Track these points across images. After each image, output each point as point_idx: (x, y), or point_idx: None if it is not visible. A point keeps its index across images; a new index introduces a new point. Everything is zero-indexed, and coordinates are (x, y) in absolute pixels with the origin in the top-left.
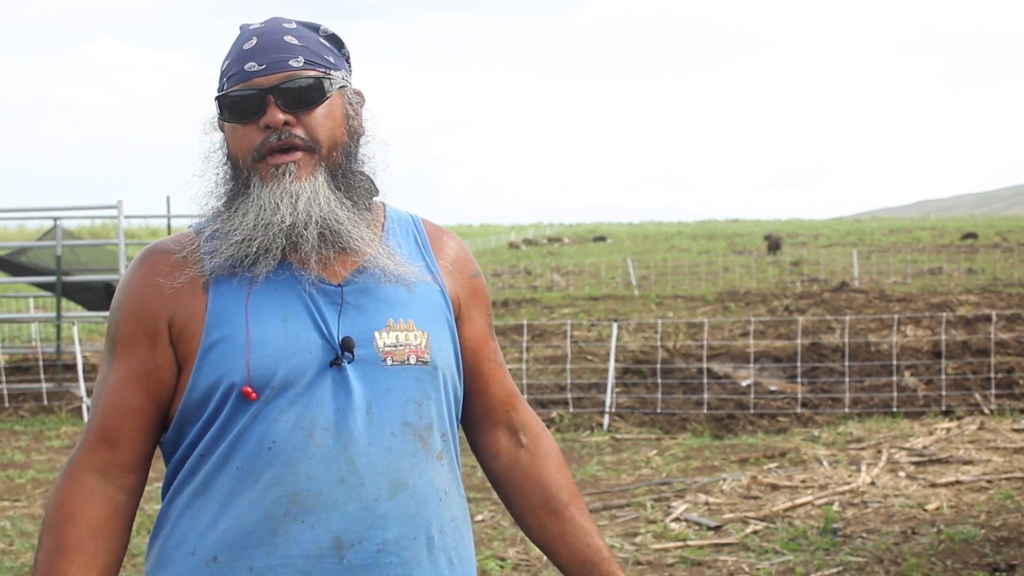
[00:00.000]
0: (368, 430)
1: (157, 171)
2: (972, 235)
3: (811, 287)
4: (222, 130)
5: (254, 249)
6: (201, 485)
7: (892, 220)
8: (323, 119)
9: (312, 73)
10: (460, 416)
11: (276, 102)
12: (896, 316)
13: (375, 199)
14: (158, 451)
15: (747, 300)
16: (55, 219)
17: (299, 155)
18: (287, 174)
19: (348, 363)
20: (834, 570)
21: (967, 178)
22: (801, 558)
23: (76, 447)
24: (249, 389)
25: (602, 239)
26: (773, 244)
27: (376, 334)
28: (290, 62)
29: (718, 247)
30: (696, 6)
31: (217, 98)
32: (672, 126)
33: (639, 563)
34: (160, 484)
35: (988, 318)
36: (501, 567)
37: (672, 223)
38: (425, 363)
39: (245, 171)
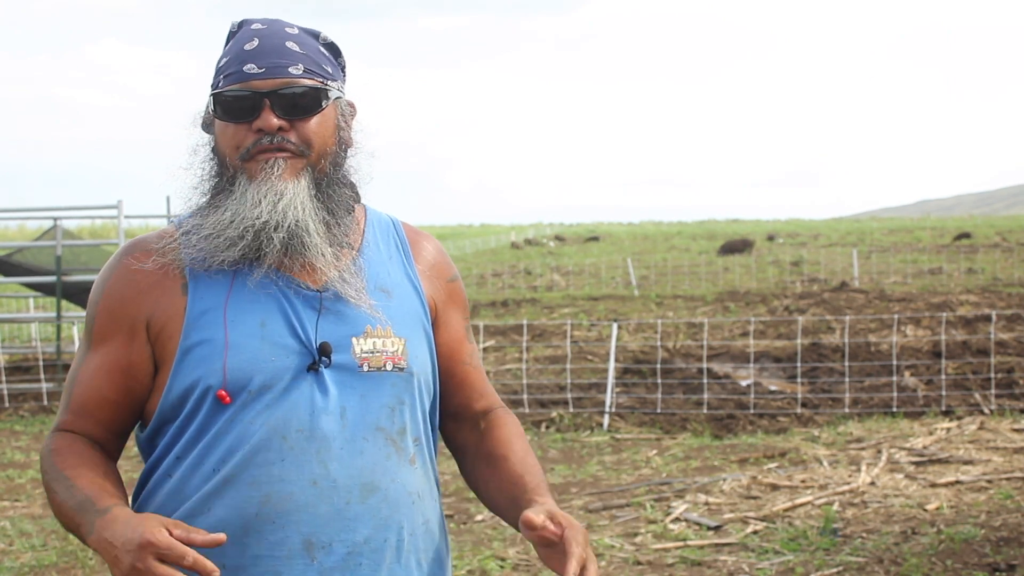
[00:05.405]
0: (341, 434)
1: (157, 171)
2: (965, 235)
3: (811, 287)
4: (210, 126)
5: (224, 246)
6: (176, 487)
7: (892, 220)
8: (316, 128)
9: (310, 82)
10: (436, 419)
11: (272, 107)
12: (896, 316)
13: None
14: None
15: (747, 300)
16: (55, 219)
17: (288, 155)
18: (276, 168)
19: (325, 368)
20: (834, 570)
21: (967, 178)
22: (801, 558)
23: (54, 424)
24: (223, 392)
25: (595, 239)
26: (741, 244)
27: (354, 340)
28: (289, 68)
29: (718, 247)
30: (696, 6)
31: (213, 95)
32: (672, 126)
33: (639, 563)
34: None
35: (988, 318)
36: (501, 567)
37: (672, 223)
38: (401, 369)
39: (231, 169)
